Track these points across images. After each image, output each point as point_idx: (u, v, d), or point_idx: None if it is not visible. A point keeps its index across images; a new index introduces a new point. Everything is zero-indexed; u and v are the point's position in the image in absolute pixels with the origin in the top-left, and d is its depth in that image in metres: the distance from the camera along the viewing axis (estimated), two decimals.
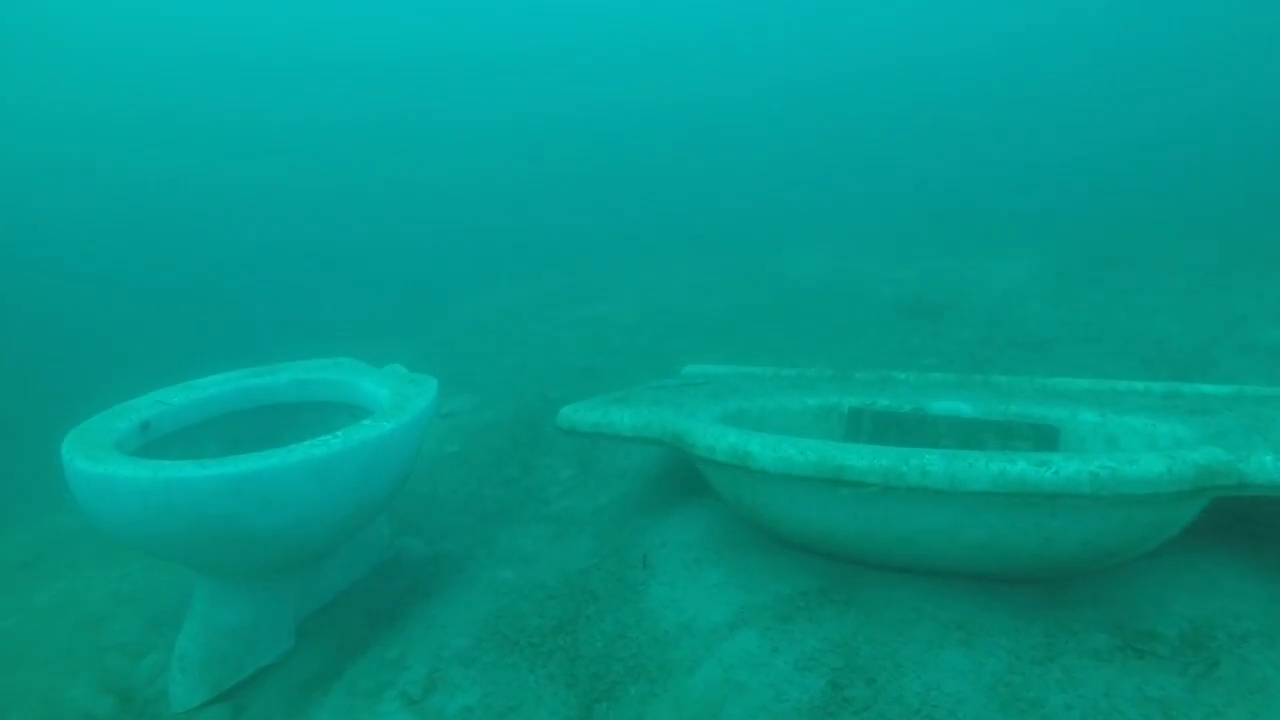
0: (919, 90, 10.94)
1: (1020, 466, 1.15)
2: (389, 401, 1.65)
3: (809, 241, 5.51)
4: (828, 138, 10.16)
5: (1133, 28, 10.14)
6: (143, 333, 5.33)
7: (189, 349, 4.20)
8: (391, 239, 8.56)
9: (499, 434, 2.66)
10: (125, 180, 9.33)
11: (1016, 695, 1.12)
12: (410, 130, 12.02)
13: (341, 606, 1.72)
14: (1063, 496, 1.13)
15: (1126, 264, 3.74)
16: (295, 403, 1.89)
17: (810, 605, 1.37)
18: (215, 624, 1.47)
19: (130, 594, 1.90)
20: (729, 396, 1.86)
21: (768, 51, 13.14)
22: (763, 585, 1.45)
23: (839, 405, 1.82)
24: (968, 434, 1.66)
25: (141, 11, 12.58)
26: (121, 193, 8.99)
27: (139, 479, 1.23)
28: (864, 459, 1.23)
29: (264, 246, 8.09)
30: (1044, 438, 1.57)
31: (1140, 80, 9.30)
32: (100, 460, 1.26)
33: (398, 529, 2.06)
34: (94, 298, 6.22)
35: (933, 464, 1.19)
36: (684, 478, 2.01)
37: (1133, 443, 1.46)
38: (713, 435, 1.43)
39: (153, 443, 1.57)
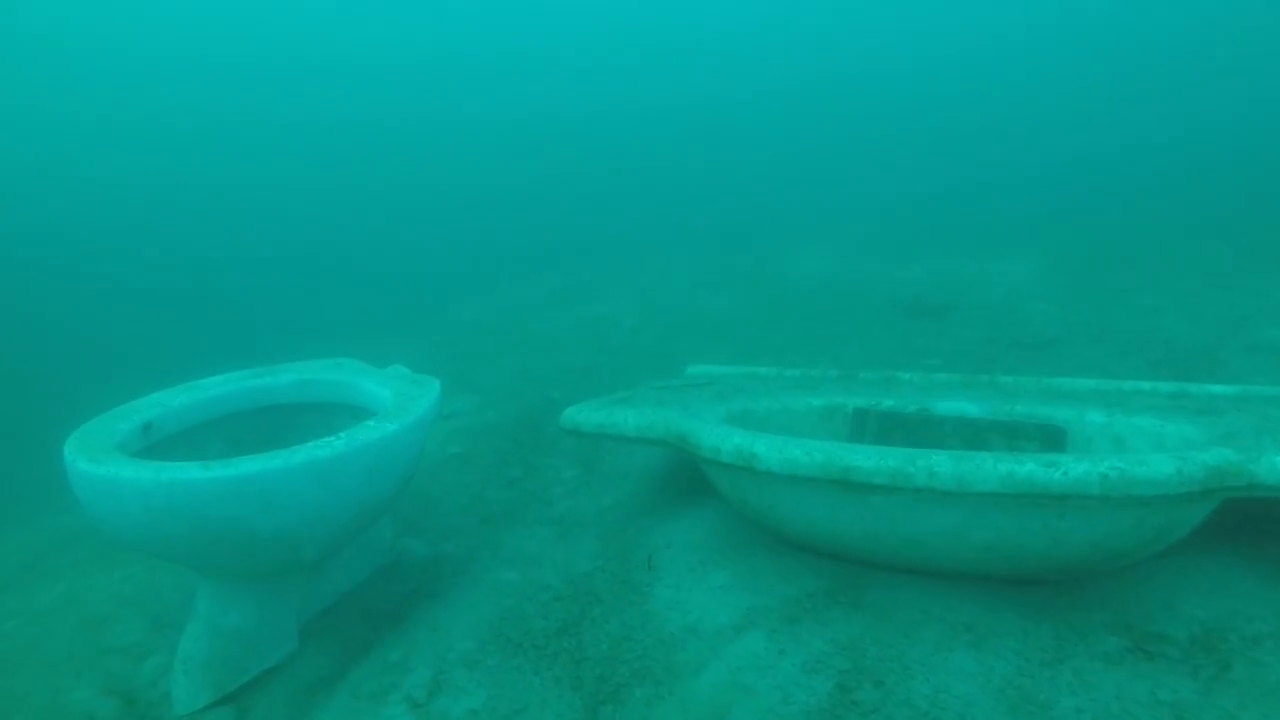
0: (921, 90, 10.93)
1: (1029, 467, 1.14)
2: (392, 402, 1.64)
3: (811, 241, 5.50)
4: (829, 137, 10.15)
5: (1137, 28, 10.12)
6: (144, 334, 5.33)
7: (190, 350, 4.20)
8: (392, 240, 8.55)
9: (501, 435, 2.65)
10: (126, 182, 9.33)
11: (1026, 698, 1.11)
12: (411, 131, 12.02)
13: (344, 609, 1.71)
14: (1071, 498, 1.12)
15: (1130, 264, 3.73)
16: (297, 404, 1.88)
17: (817, 607, 1.36)
18: (218, 626, 1.46)
19: (132, 595, 1.89)
20: (733, 397, 1.85)
21: (770, 51, 13.14)
22: (768, 587, 1.44)
23: (843, 406, 1.81)
24: (973, 435, 1.65)
25: (143, 14, 12.59)
26: (122, 194, 8.99)
27: (142, 480, 1.22)
28: (871, 460, 1.22)
29: (265, 248, 8.09)
30: (1050, 438, 1.57)
31: (1143, 80, 9.29)
32: (103, 462, 1.26)
33: (400, 531, 2.05)
34: (95, 299, 6.22)
35: (940, 465, 1.18)
36: (688, 479, 2.00)
37: (1140, 443, 1.46)
38: (718, 436, 1.42)
39: (155, 444, 1.56)
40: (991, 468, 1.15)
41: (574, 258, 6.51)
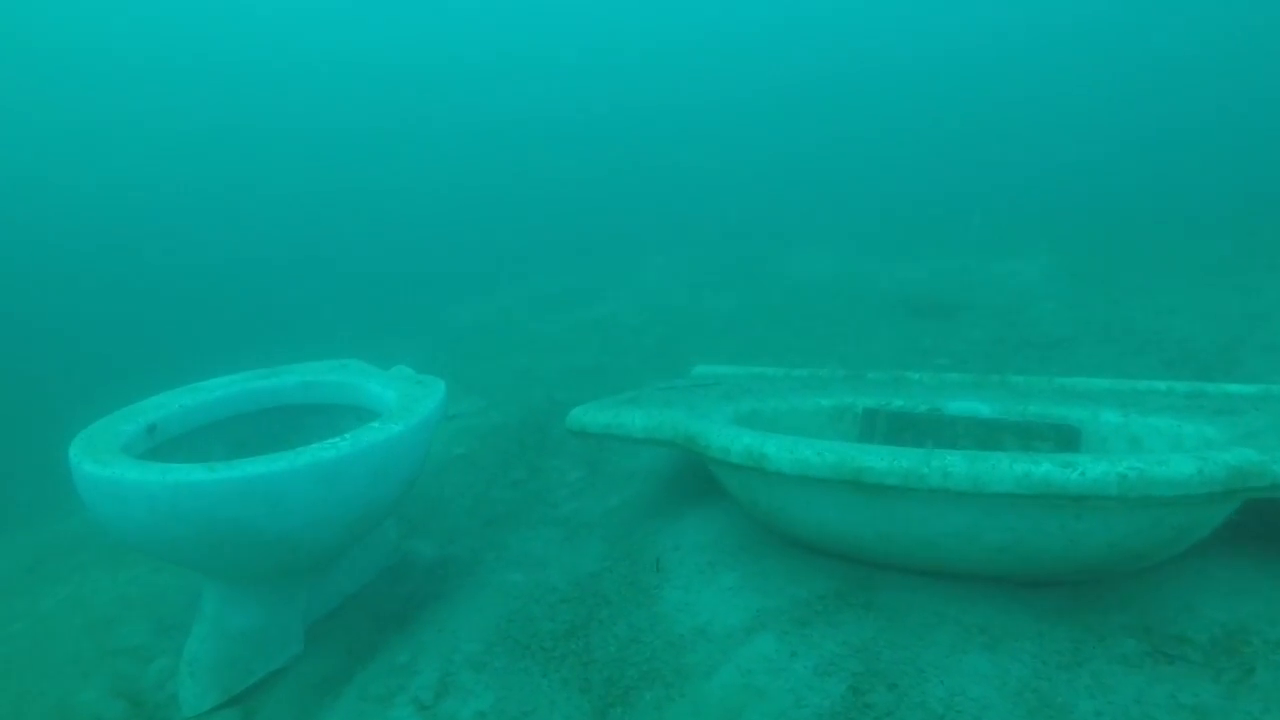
0: (926, 88, 10.89)
1: (1045, 468, 1.12)
2: (396, 403, 1.63)
3: (815, 241, 5.48)
4: (833, 137, 10.13)
5: (1146, 24, 10.05)
6: (147, 336, 5.34)
7: (194, 352, 4.20)
8: (394, 241, 8.57)
9: (505, 436, 2.64)
10: (128, 184, 9.36)
11: (1044, 701, 1.09)
12: (413, 132, 12.04)
13: (349, 611, 1.71)
14: (1089, 498, 1.10)
15: (1141, 263, 3.69)
16: (301, 405, 1.88)
17: (828, 609, 1.35)
18: (224, 628, 1.45)
19: (137, 597, 1.88)
20: (741, 397, 1.83)
21: (773, 51, 13.12)
22: (779, 588, 1.43)
23: (853, 406, 1.79)
24: (986, 435, 1.63)
25: (143, 15, 12.65)
26: (124, 197, 9.03)
27: (147, 482, 1.21)
28: (883, 460, 1.21)
29: (267, 249, 8.11)
30: (1065, 438, 1.55)
31: (1153, 77, 9.23)
32: (108, 463, 1.25)
33: (405, 532, 2.04)
34: (98, 302, 6.24)
35: (955, 465, 1.16)
36: (695, 480, 1.99)
37: (1157, 443, 1.43)
38: (727, 437, 1.41)
39: (159, 446, 1.56)
40: (1007, 468, 1.13)
41: (576, 258, 6.50)
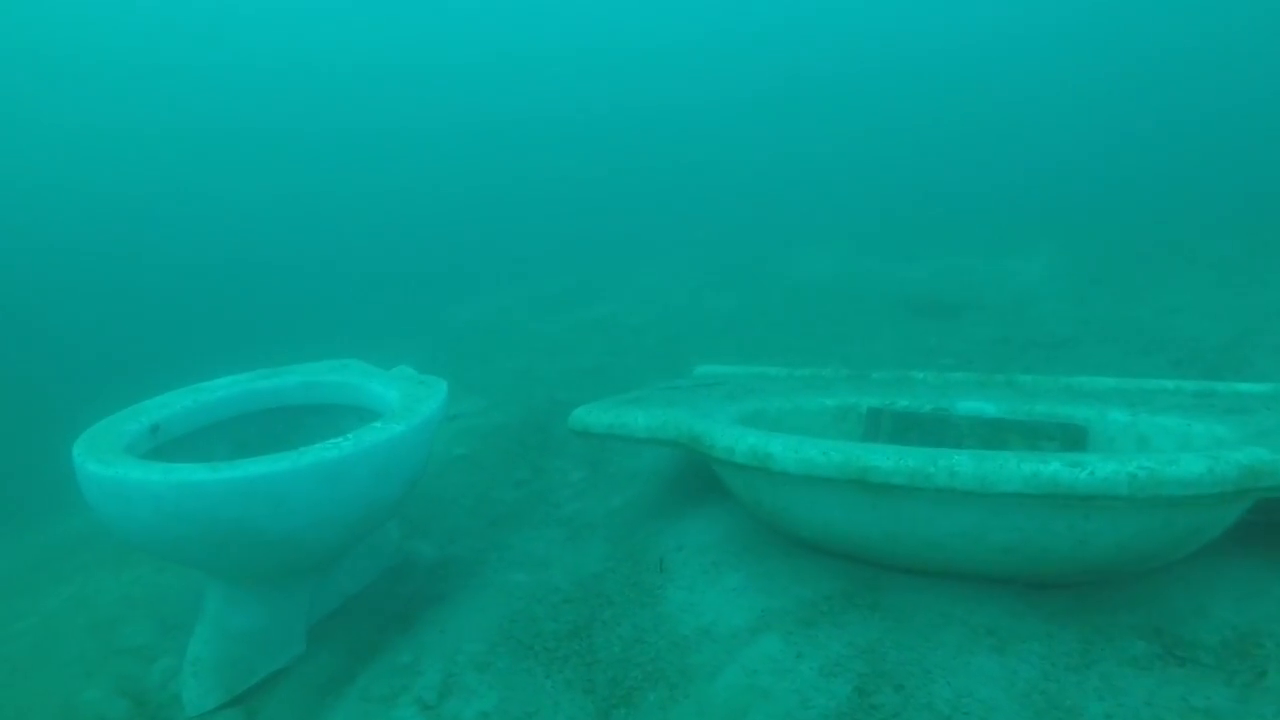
0: (928, 86, 10.85)
1: (1054, 467, 1.11)
2: (398, 404, 1.63)
3: (817, 241, 5.46)
4: (834, 136, 10.10)
5: (1151, 20, 9.97)
6: (149, 337, 5.35)
7: (196, 353, 4.20)
8: (394, 241, 8.57)
9: (507, 436, 2.63)
10: (129, 186, 9.40)
11: (1052, 703, 1.08)
12: (413, 133, 12.06)
13: (352, 611, 1.70)
14: (1098, 498, 1.09)
15: (1147, 261, 3.66)
16: (303, 405, 1.88)
17: (834, 609, 1.34)
18: (227, 628, 1.45)
19: (141, 597, 1.88)
20: (744, 397, 1.82)
21: (775, 50, 13.09)
22: (784, 589, 1.42)
23: (857, 406, 1.78)
24: (991, 434, 1.62)
25: (144, 17, 12.69)
26: (126, 198, 9.05)
27: (150, 482, 1.21)
28: (890, 460, 1.20)
29: (268, 250, 8.13)
30: (1072, 438, 1.53)
31: (1157, 74, 9.17)
32: (112, 463, 1.25)
33: (407, 533, 2.03)
34: (101, 303, 6.26)
35: (962, 465, 1.15)
36: (698, 480, 1.98)
37: (1166, 443, 1.42)
38: (732, 436, 1.40)
39: (162, 446, 1.55)
40: (1015, 467, 1.12)
41: (577, 258, 6.49)
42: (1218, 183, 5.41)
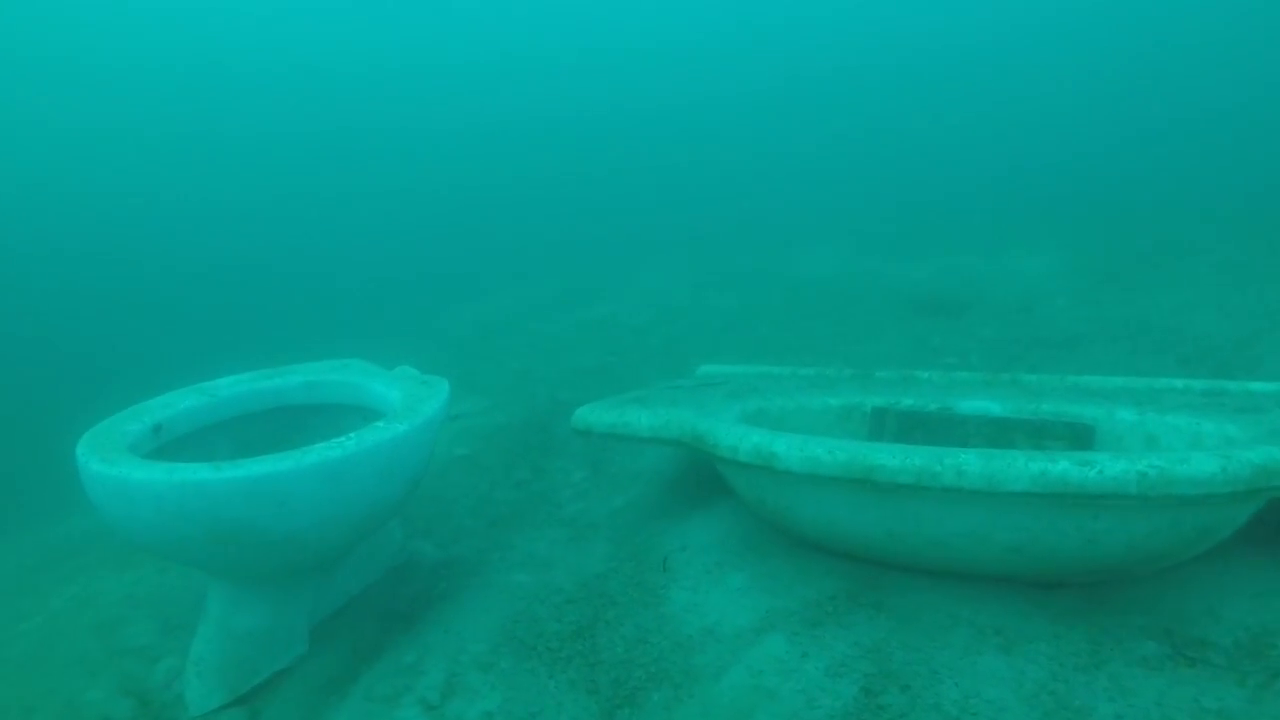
0: (930, 82, 10.80)
1: (1062, 466, 1.10)
2: (401, 403, 1.62)
3: (819, 240, 5.44)
4: (836, 134, 10.07)
5: (1160, 15, 9.88)
6: (151, 337, 5.36)
7: (196, 353, 4.21)
8: (396, 242, 8.58)
9: (509, 436, 2.63)
10: (131, 186, 9.42)
11: (1061, 704, 1.07)
12: (414, 134, 12.07)
13: (355, 611, 1.70)
14: (1108, 497, 1.08)
15: (1155, 259, 3.63)
16: (305, 405, 1.87)
17: (839, 610, 1.33)
18: (230, 628, 1.45)
19: (144, 597, 1.88)
20: (748, 396, 1.81)
21: (776, 48, 13.07)
22: (788, 589, 1.41)
23: (861, 405, 1.77)
24: (997, 433, 1.61)
25: (143, 19, 12.73)
26: (127, 199, 9.08)
27: (154, 481, 1.21)
28: (896, 458, 1.19)
29: (270, 251, 8.14)
30: (1079, 437, 1.52)
31: (1165, 70, 9.09)
32: (115, 462, 1.25)
33: (410, 533, 2.03)
34: (103, 303, 6.27)
35: (969, 464, 1.14)
36: (700, 480, 1.97)
37: (1175, 442, 1.41)
38: (735, 435, 1.39)
39: (165, 445, 1.55)
40: (1023, 466, 1.11)
41: (578, 259, 6.49)
42: (1226, 181, 5.36)
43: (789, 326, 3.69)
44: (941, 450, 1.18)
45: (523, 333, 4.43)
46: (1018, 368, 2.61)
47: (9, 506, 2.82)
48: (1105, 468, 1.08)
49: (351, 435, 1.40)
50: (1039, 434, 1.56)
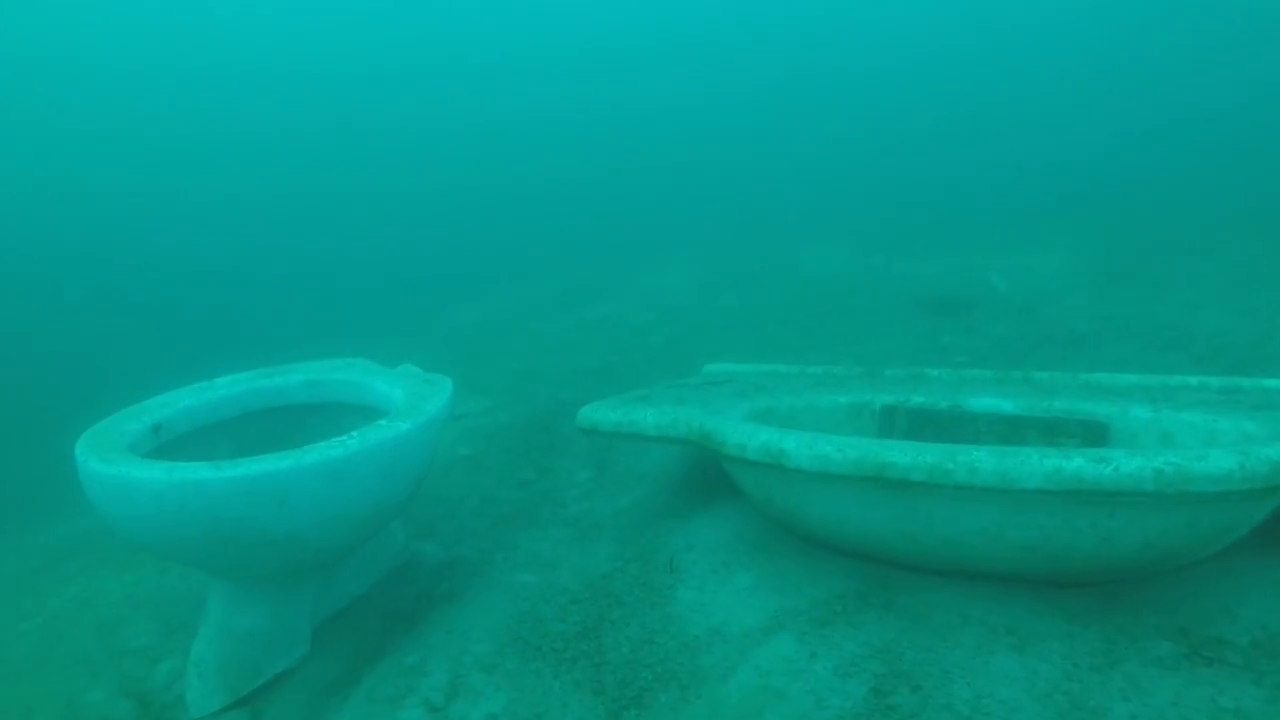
0: (938, 80, 10.75)
1: (1077, 463, 1.08)
2: (403, 402, 1.61)
3: (825, 238, 5.42)
4: (841, 132, 10.03)
5: (1171, 11, 9.80)
6: (151, 337, 5.35)
7: (196, 352, 4.20)
8: (398, 243, 8.57)
9: (512, 436, 2.61)
10: (132, 187, 9.43)
11: (1076, 704, 1.05)
12: (416, 134, 12.07)
13: (357, 612, 1.68)
14: (1123, 495, 1.06)
15: (1167, 257, 3.59)
16: (307, 404, 1.86)
17: (848, 609, 1.31)
18: (231, 629, 1.43)
19: (144, 598, 1.87)
20: (755, 395, 1.80)
21: (782, 47, 13.03)
22: (796, 588, 1.39)
23: (870, 403, 1.75)
24: (1009, 431, 1.59)
25: (145, 20, 12.75)
26: (128, 199, 9.08)
27: (154, 481, 1.19)
28: (907, 456, 1.17)
29: (272, 251, 8.14)
30: (1092, 434, 1.50)
31: (1178, 66, 9.03)
32: (114, 462, 1.24)
33: (412, 533, 2.01)
34: (103, 303, 6.27)
35: (982, 461, 1.12)
36: (706, 480, 1.95)
37: (1191, 439, 1.39)
38: (744, 433, 1.37)
39: (165, 445, 1.54)
40: (1037, 463, 1.09)
41: (581, 258, 6.48)
42: (1237, 178, 5.31)
43: (795, 325, 3.67)
44: (954, 447, 1.17)
45: (526, 332, 4.42)
46: (1028, 365, 2.59)
47: (9, 507, 2.81)
48: (1121, 464, 1.06)
49: (353, 434, 1.38)
50: (1052, 432, 1.54)
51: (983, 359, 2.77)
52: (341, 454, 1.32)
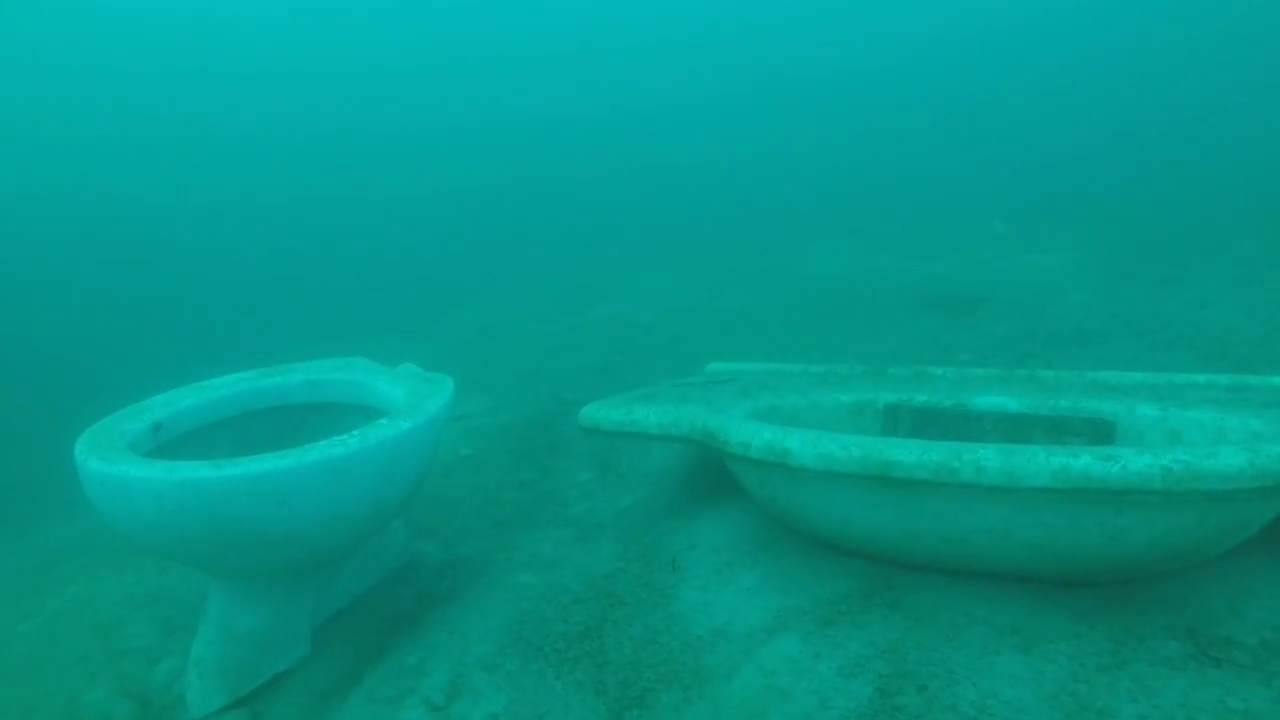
0: (942, 81, 10.72)
1: (1084, 461, 1.07)
2: (404, 401, 1.60)
3: (828, 237, 5.41)
4: (844, 131, 10.01)
5: (1178, 8, 9.75)
6: (151, 336, 5.35)
7: (197, 352, 4.19)
8: (400, 243, 8.57)
9: (514, 436, 2.61)
10: (133, 187, 9.44)
11: (1082, 705, 1.04)
12: (418, 133, 12.08)
13: (357, 612, 1.68)
14: (1131, 493, 1.05)
15: (1173, 254, 3.58)
16: (308, 404, 1.85)
17: (852, 609, 1.30)
18: (231, 629, 1.43)
19: (144, 598, 1.86)
20: (758, 393, 1.79)
21: (786, 45, 13.00)
22: (800, 588, 1.38)
23: (874, 401, 1.74)
24: (1015, 430, 1.58)
25: (145, 21, 12.77)
26: (130, 200, 9.09)
27: (153, 479, 1.19)
28: (912, 454, 1.16)
29: (273, 251, 8.14)
30: (1099, 433, 1.49)
31: (1184, 63, 8.98)
32: (114, 461, 1.23)
33: (413, 534, 2.01)
34: (103, 302, 6.27)
35: (988, 459, 1.11)
36: (709, 479, 1.94)
37: (1199, 437, 1.38)
38: (747, 431, 1.36)
39: (165, 444, 1.53)
40: (1044, 461, 1.08)
41: (584, 258, 6.47)
42: (1243, 176, 5.27)
43: (799, 324, 3.66)
44: (960, 445, 1.16)
45: (527, 332, 4.41)
46: (1034, 364, 2.57)
47: (9, 507, 2.81)
48: (1129, 462, 1.05)
49: (354, 433, 1.37)
50: (1058, 430, 1.53)
51: (986, 357, 2.76)
52: (342, 453, 1.32)
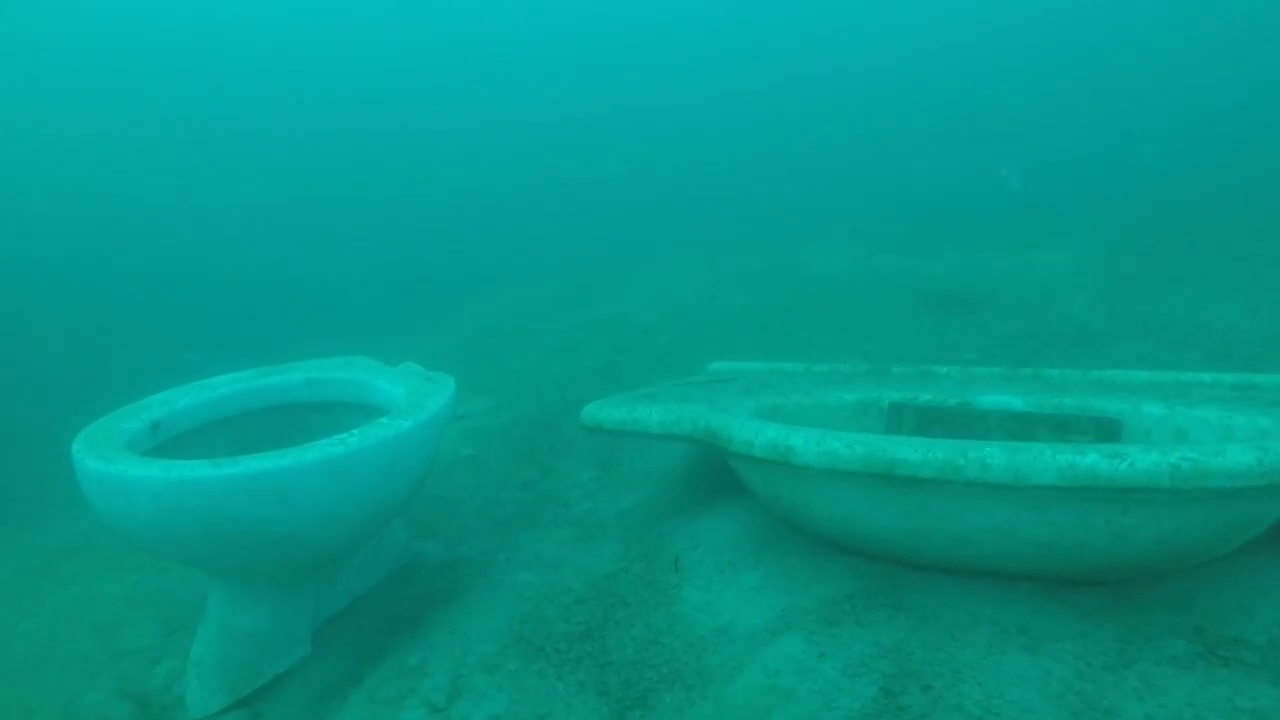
0: (944, 80, 10.71)
1: (1091, 458, 1.06)
2: (405, 400, 1.59)
3: (830, 237, 5.39)
4: (846, 131, 10.00)
5: (1181, 8, 9.73)
6: (150, 336, 5.34)
7: (196, 351, 4.18)
8: (401, 242, 8.56)
9: (516, 436, 2.60)
10: (134, 186, 9.44)
11: (1089, 704, 1.04)
12: (419, 133, 12.07)
13: (358, 612, 1.67)
14: (1138, 491, 1.04)
15: (1178, 253, 3.56)
16: (308, 403, 1.85)
17: (856, 609, 1.29)
18: (231, 629, 1.42)
19: (143, 599, 1.86)
20: (761, 392, 1.78)
21: (787, 45, 12.99)
22: (804, 588, 1.37)
23: (878, 400, 1.73)
24: (1019, 429, 1.57)
25: (146, 21, 12.77)
26: (130, 198, 9.09)
27: (152, 479, 1.18)
28: (917, 452, 1.15)
29: (273, 252, 8.14)
30: (1105, 431, 1.48)
31: (1186, 62, 8.97)
32: (112, 460, 1.22)
33: (414, 533, 2.00)
34: (103, 302, 6.27)
35: (994, 457, 1.10)
36: (711, 479, 1.93)
37: (1206, 436, 1.37)
38: (751, 430, 1.36)
39: (164, 443, 1.52)
40: (1050, 459, 1.07)
41: (585, 258, 6.46)
42: (1247, 175, 5.25)
43: (801, 324, 3.64)
44: (965, 443, 1.15)
45: (529, 332, 4.40)
46: (1038, 363, 2.56)
47: (9, 507, 2.80)
48: (1136, 460, 1.04)
49: (355, 431, 1.37)
50: (1063, 429, 1.52)
51: (991, 356, 2.75)
52: (343, 452, 1.31)
